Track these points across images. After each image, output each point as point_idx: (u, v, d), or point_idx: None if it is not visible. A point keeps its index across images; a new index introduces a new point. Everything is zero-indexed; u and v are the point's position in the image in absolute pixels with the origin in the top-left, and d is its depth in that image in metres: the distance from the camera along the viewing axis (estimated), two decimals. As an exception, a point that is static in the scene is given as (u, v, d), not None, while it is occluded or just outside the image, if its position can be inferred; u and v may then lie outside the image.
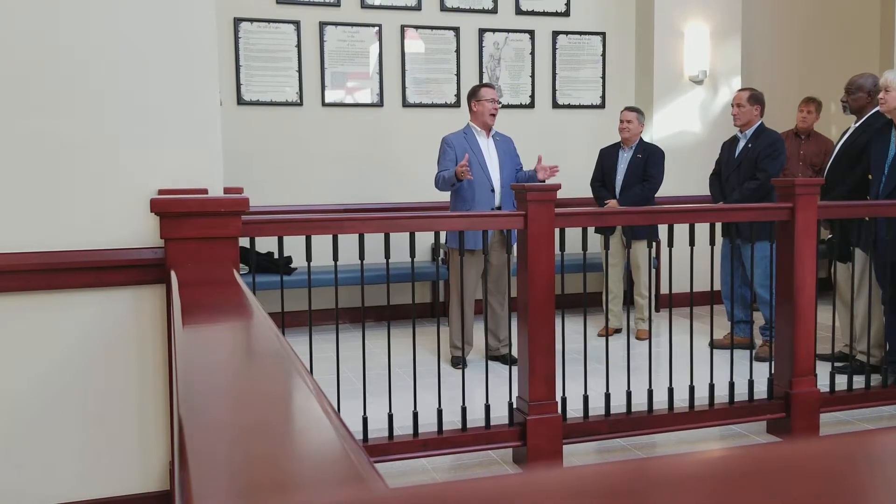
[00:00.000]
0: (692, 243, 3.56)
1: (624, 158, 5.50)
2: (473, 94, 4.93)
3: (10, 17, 2.54)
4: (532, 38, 6.53)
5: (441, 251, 5.84)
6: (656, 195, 5.52)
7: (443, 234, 4.74)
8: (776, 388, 3.76)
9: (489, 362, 3.68)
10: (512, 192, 4.81)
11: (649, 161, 5.42)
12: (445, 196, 5.00)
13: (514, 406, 3.41)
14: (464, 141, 4.81)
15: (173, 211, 2.46)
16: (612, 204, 5.39)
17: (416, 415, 3.24)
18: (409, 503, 0.52)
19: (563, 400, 3.42)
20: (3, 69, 2.54)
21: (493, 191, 4.78)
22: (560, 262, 3.51)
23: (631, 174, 5.43)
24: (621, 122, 5.50)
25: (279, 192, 5.89)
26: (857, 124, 4.78)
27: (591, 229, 5.19)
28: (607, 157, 5.59)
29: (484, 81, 5.99)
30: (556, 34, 6.60)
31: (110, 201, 2.65)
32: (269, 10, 5.90)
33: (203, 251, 2.47)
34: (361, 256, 3.15)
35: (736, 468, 0.52)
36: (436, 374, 3.42)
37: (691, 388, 3.61)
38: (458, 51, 6.35)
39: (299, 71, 5.98)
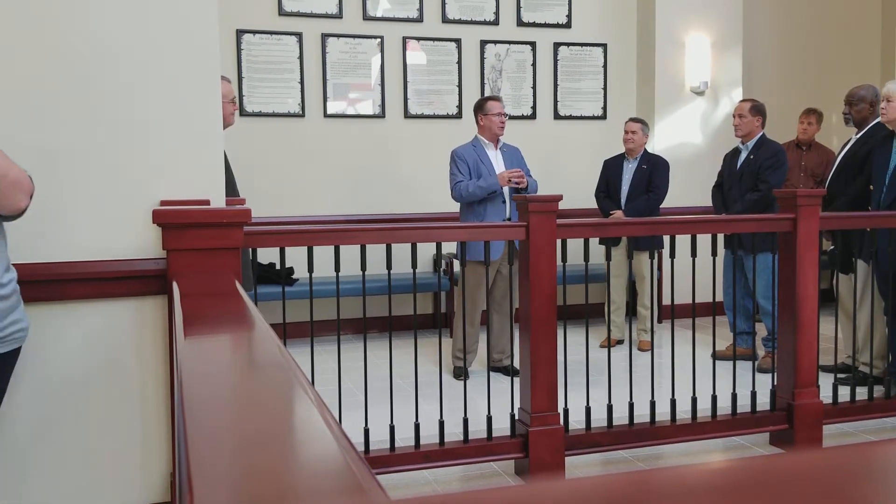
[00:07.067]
0: (694, 254, 3.56)
1: (629, 169, 5.49)
2: (480, 107, 4.90)
3: (11, 30, 2.55)
4: (533, 50, 6.55)
5: (444, 262, 5.83)
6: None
7: (450, 245, 4.72)
8: (779, 399, 3.75)
9: (491, 373, 3.67)
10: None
11: (654, 172, 5.41)
12: (448, 206, 4.99)
13: (516, 417, 3.40)
14: (473, 153, 4.81)
15: (175, 222, 2.46)
16: (617, 215, 5.37)
17: (417, 426, 3.23)
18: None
19: (566, 411, 3.41)
20: (4, 81, 2.55)
21: (504, 202, 4.78)
22: (562, 273, 3.50)
23: (636, 185, 5.42)
24: (626, 132, 5.49)
25: (281, 202, 5.90)
26: (858, 135, 4.78)
27: (594, 240, 5.21)
28: (612, 169, 5.59)
29: (489, 94, 5.94)
30: (557, 45, 6.62)
31: (112, 212, 2.65)
32: (271, 22, 5.93)
33: (205, 262, 2.47)
34: (363, 267, 3.15)
35: (739, 480, 0.52)
36: (437, 386, 3.41)
37: (694, 400, 3.60)
38: (459, 62, 6.36)
39: (301, 82, 6.00)
